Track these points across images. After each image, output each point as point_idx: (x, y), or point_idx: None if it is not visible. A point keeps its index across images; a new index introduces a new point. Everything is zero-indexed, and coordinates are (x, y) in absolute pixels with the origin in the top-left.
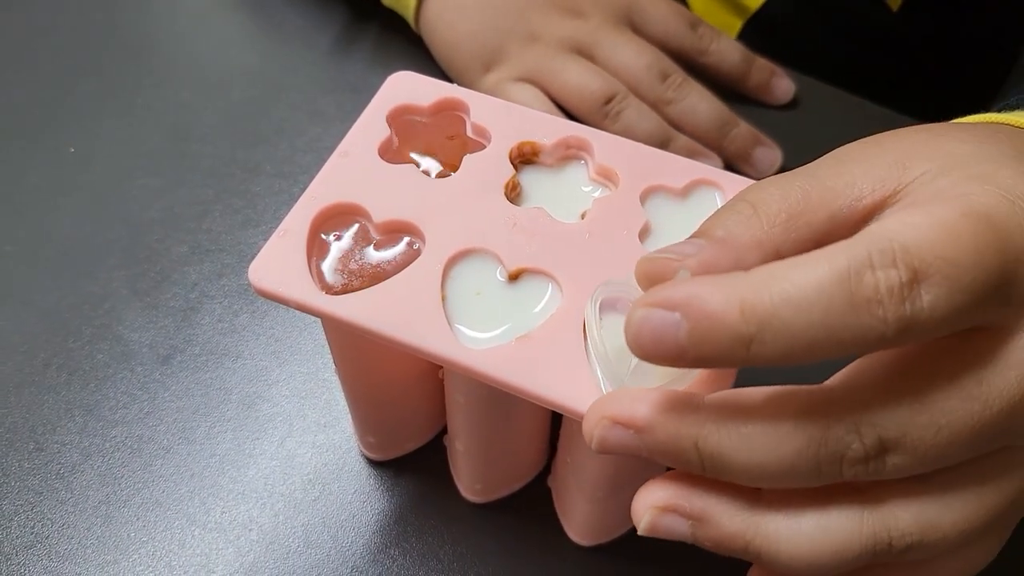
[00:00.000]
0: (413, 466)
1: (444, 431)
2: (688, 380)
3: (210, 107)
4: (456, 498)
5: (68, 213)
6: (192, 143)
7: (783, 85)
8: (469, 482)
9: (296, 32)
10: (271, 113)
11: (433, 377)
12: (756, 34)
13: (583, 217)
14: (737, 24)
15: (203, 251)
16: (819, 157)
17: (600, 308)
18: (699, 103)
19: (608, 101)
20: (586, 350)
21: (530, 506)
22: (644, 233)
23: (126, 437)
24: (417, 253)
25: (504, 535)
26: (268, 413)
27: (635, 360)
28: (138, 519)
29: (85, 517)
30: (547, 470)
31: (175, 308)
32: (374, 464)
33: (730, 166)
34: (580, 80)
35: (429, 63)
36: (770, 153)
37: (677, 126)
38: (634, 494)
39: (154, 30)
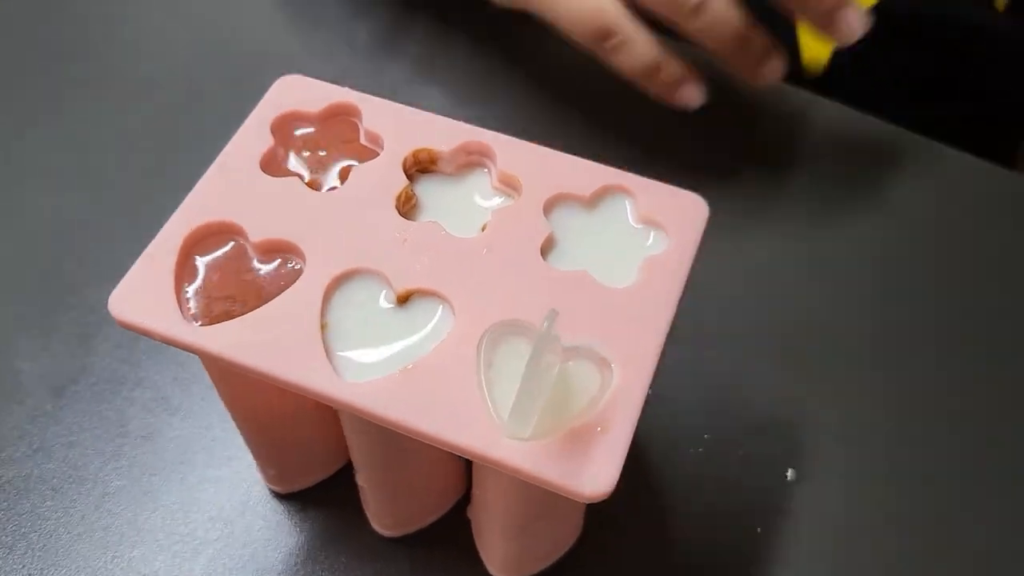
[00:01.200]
0: (321, 498)
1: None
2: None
3: (118, 115)
4: (368, 531)
5: None
6: (94, 154)
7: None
8: (379, 516)
9: (216, 34)
10: (184, 121)
11: (328, 407)
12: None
13: (484, 230)
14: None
15: (103, 273)
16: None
17: (490, 347)
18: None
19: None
20: (478, 380)
21: (448, 539)
22: (547, 246)
23: (13, 477)
24: (297, 275)
25: (421, 570)
26: (167, 446)
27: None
28: (23, 567)
29: None
30: (467, 499)
31: (71, 335)
32: (281, 497)
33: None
34: None
35: (355, 66)
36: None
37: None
38: (546, 530)
39: (58, 38)
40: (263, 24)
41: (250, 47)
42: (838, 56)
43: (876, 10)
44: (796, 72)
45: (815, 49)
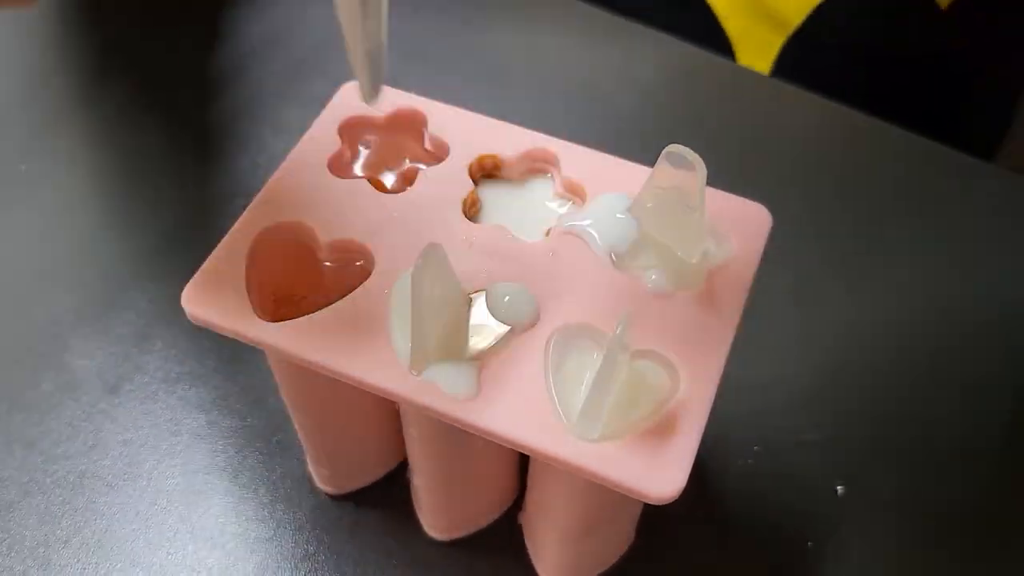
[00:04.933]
0: (373, 500)
1: (406, 462)
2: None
3: (169, 121)
4: (419, 535)
5: (15, 234)
6: (149, 159)
7: None
8: (432, 519)
9: (260, 43)
10: (233, 127)
11: (389, 405)
12: (799, 53)
13: (548, 235)
14: (778, 43)
15: (158, 274)
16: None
17: (558, 349)
18: None
19: None
20: (546, 382)
21: (500, 544)
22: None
23: (68, 472)
24: (366, 275)
25: (472, 575)
26: (221, 445)
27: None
28: (78, 561)
29: (21, 559)
30: (518, 505)
31: (126, 334)
32: (333, 498)
33: None
34: None
35: (395, 72)
36: None
37: None
38: (603, 537)
39: (113, 44)
40: (320, 32)
41: (304, 54)
42: (776, 74)
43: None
44: None
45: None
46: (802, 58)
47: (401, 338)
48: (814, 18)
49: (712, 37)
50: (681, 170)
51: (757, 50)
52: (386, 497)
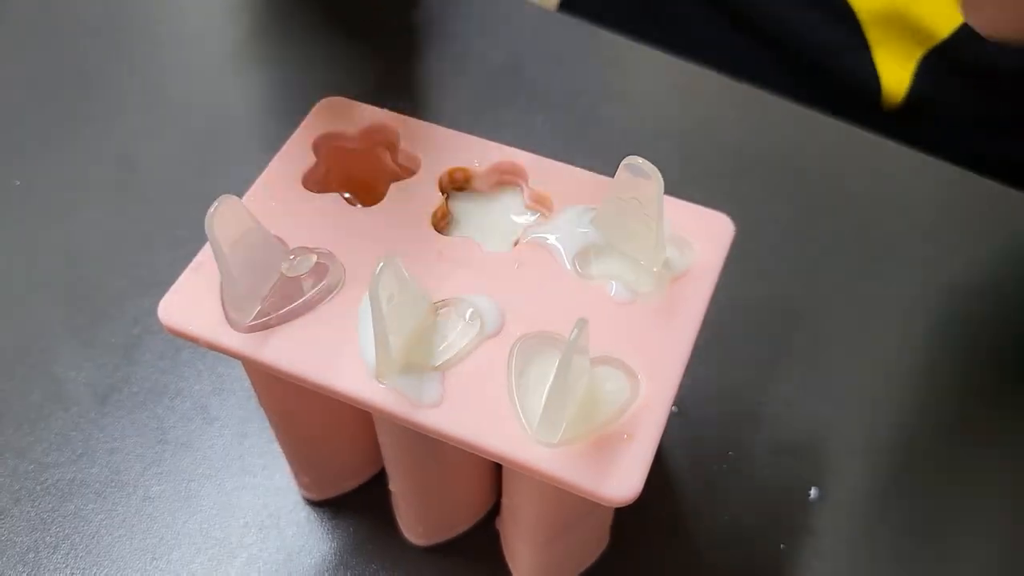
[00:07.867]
0: (354, 506)
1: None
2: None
3: (160, 135)
4: (399, 540)
5: (5, 247)
6: (139, 173)
7: None
8: (411, 525)
9: (250, 58)
10: (222, 141)
11: (364, 414)
12: (938, 68)
13: (516, 246)
14: (917, 54)
15: (145, 285)
16: None
17: (522, 356)
18: None
19: None
20: (509, 388)
21: (478, 549)
22: (578, 261)
23: (57, 480)
24: (337, 287)
25: None
26: (206, 453)
27: (544, 404)
28: (66, 566)
29: (12, 565)
30: (496, 511)
31: (114, 345)
32: (314, 504)
33: None
34: None
35: (386, 87)
36: None
37: None
38: (574, 541)
39: (103, 59)
40: (300, 48)
41: (287, 71)
42: (917, 86)
43: (949, 48)
44: (873, 103)
45: (894, 77)
46: (941, 73)
47: (369, 348)
48: (958, 35)
49: (851, 41)
50: (640, 180)
51: (896, 58)
52: (366, 503)
